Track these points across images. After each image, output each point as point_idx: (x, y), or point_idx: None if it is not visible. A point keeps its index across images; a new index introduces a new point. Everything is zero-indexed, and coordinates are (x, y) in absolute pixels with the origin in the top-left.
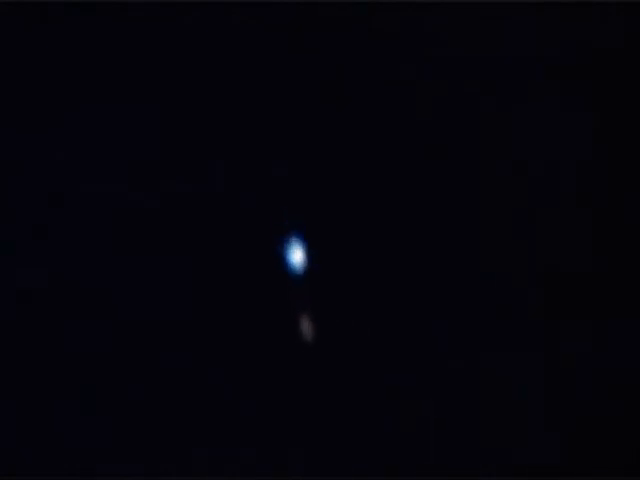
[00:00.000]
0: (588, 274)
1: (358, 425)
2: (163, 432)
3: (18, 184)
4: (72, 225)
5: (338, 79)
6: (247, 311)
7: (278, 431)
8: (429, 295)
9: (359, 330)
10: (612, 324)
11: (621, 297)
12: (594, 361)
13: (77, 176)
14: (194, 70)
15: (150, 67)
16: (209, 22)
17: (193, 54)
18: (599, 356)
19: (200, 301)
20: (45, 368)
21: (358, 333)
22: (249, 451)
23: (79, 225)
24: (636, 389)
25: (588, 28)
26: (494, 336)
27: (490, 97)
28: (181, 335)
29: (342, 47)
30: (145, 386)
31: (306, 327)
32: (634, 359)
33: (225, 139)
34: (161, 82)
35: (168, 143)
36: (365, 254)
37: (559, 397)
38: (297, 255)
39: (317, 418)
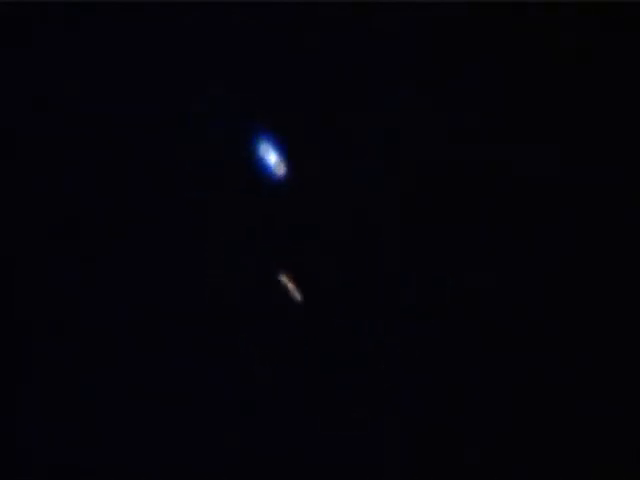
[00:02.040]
0: None
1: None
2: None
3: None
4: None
5: (338, 79)
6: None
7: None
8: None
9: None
10: None
11: None
12: None
13: (81, 176)
14: (194, 70)
15: (150, 67)
16: (209, 22)
17: (193, 54)
18: None
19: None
20: (45, 366)
21: (355, 330)
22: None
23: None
24: None
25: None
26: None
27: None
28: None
29: (342, 47)
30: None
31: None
32: None
33: (225, 139)
34: (161, 82)
35: (167, 143)
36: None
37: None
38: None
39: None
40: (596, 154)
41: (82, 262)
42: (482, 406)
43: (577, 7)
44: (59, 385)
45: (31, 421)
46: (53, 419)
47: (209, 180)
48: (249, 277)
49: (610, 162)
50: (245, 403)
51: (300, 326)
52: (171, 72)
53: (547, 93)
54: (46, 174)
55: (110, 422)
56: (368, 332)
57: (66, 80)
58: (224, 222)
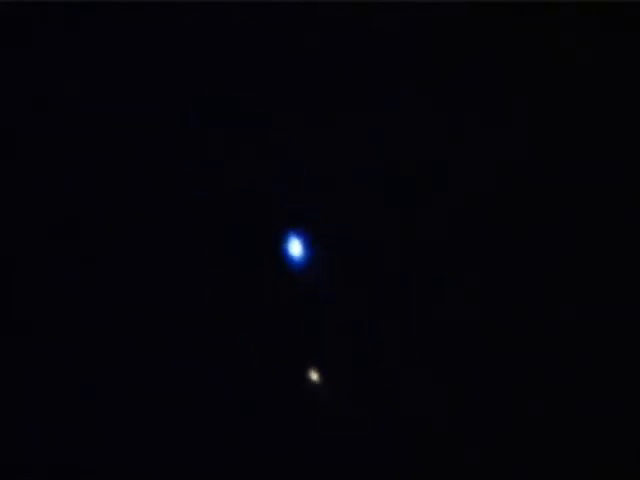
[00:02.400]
0: None
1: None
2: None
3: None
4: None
5: (338, 79)
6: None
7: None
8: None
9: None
10: None
11: None
12: None
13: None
14: (194, 70)
15: (150, 67)
16: (209, 22)
17: (193, 54)
18: None
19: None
20: (47, 364)
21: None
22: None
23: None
24: None
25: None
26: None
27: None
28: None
29: (342, 47)
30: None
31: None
32: None
33: (225, 139)
34: (161, 82)
35: (167, 144)
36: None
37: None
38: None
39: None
40: (596, 154)
41: (82, 262)
42: (482, 406)
43: (577, 7)
44: (59, 385)
45: (31, 421)
46: (53, 419)
47: (209, 180)
48: (249, 277)
49: (610, 162)
50: (245, 403)
51: (300, 326)
52: (171, 72)
53: (547, 93)
54: (46, 174)
55: (110, 422)
56: (368, 332)
57: (66, 80)
58: (224, 222)
